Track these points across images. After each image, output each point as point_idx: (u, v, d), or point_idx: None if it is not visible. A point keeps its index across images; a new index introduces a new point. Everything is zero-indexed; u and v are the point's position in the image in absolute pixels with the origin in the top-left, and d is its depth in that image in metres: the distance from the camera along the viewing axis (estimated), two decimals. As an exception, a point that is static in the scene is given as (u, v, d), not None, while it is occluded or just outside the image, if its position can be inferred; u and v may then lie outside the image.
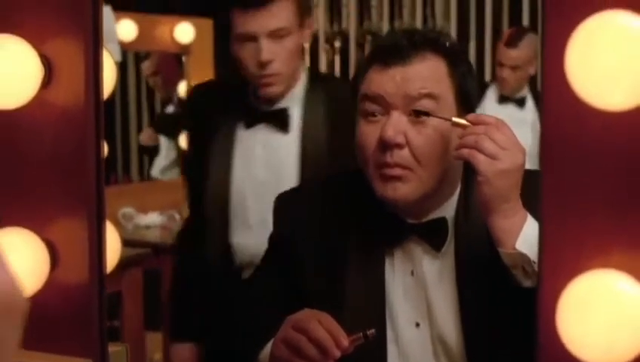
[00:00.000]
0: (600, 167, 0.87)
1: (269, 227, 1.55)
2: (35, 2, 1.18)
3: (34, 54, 1.17)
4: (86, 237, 1.17)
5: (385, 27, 3.80)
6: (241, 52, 1.86)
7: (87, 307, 1.18)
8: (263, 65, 1.84)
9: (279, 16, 1.85)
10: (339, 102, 1.90)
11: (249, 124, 1.94)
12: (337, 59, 3.78)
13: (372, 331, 1.28)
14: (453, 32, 3.64)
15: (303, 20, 1.91)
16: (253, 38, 1.85)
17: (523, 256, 1.24)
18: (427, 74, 1.35)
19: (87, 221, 1.17)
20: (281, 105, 1.94)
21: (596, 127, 0.85)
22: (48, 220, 1.18)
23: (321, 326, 1.26)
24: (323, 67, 3.80)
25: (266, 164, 1.94)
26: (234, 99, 1.98)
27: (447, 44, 1.41)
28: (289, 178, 1.90)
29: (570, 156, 0.88)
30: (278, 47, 1.85)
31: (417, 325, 1.42)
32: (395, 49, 1.36)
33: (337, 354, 1.25)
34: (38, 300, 1.18)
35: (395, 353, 1.42)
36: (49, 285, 1.18)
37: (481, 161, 1.23)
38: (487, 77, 3.56)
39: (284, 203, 1.54)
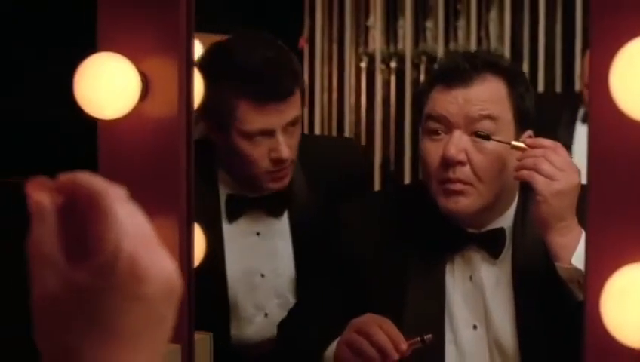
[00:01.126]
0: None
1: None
2: (135, 25, 1.36)
3: (133, 71, 1.34)
4: (176, 236, 1.34)
5: (440, 48, 3.94)
6: (249, 148, 1.63)
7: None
8: (281, 161, 1.63)
9: (296, 104, 1.65)
10: (322, 166, 1.78)
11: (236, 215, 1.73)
12: (393, 79, 3.94)
13: (429, 336, 1.41)
14: (506, 53, 3.78)
15: (305, 103, 1.74)
16: (268, 133, 1.62)
17: (578, 271, 1.34)
18: (487, 96, 1.49)
19: (177, 220, 1.34)
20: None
21: (634, 134, 0.99)
22: (145, 215, 1.35)
23: (381, 330, 1.39)
24: (379, 86, 3.95)
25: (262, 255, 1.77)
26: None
27: (507, 65, 1.55)
28: (287, 265, 1.76)
29: (613, 164, 1.02)
30: (291, 139, 1.65)
31: (475, 327, 1.55)
32: (457, 71, 1.50)
33: (396, 357, 1.39)
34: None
35: (454, 353, 1.55)
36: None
37: (539, 182, 1.37)
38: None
39: (351, 212, 1.68)
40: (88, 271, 0.57)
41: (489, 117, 1.47)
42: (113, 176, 1.33)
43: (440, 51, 3.86)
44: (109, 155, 1.37)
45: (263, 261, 1.72)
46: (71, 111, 1.35)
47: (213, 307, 1.65)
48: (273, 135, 1.61)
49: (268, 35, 1.69)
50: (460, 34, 3.91)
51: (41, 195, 0.59)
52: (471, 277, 1.54)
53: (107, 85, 1.33)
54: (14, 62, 0.79)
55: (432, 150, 1.49)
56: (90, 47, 1.37)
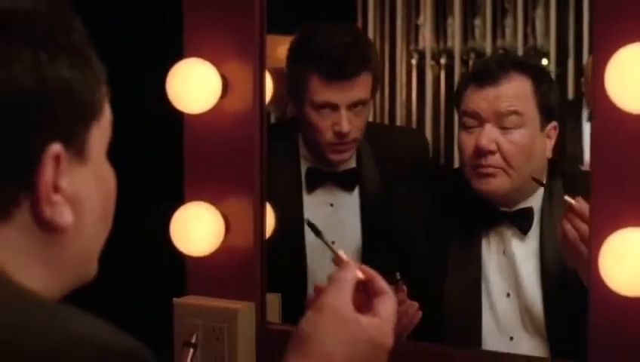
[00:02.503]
0: (633, 151, 1.29)
1: None
2: (215, 34, 1.66)
3: (215, 73, 1.64)
4: (251, 211, 1.64)
5: (488, 45, 4.19)
6: (317, 119, 1.90)
7: (252, 263, 1.65)
8: (342, 135, 1.89)
9: (362, 86, 1.90)
10: (391, 152, 2.03)
11: (313, 187, 2.00)
12: (442, 75, 4.19)
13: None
14: (552, 50, 4.00)
15: (376, 90, 2.00)
16: (333, 108, 1.89)
17: None
18: (514, 93, 1.76)
19: (252, 197, 1.64)
20: (349, 166, 1.99)
21: (626, 123, 1.26)
22: (224, 196, 1.65)
23: None
24: (429, 82, 4.20)
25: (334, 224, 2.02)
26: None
27: (532, 64, 1.83)
28: (355, 235, 2.01)
29: (611, 144, 1.30)
30: (356, 118, 1.90)
31: (508, 295, 1.82)
32: (486, 72, 1.78)
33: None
34: (216, 259, 1.65)
35: (490, 318, 1.82)
36: (223, 246, 1.66)
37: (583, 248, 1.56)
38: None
39: (404, 192, 1.95)
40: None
41: (515, 112, 1.74)
42: (198, 162, 1.64)
43: (488, 48, 4.12)
44: (194, 144, 1.68)
45: (334, 229, 1.98)
46: (163, 107, 1.66)
47: (291, 267, 1.93)
48: (337, 110, 1.87)
49: (353, 26, 2.10)
50: (508, 31, 4.15)
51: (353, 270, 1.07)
52: (504, 251, 1.81)
53: (193, 85, 1.64)
54: (120, 71, 1.04)
55: (467, 141, 1.77)
56: (178, 54, 1.68)
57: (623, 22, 1.28)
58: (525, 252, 1.80)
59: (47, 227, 0.82)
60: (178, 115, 1.69)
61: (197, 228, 1.67)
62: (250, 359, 1.64)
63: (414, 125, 4.36)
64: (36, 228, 0.82)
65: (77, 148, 0.84)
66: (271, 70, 1.84)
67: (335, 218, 2.00)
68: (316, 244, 1.98)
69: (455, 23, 4.21)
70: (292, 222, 1.91)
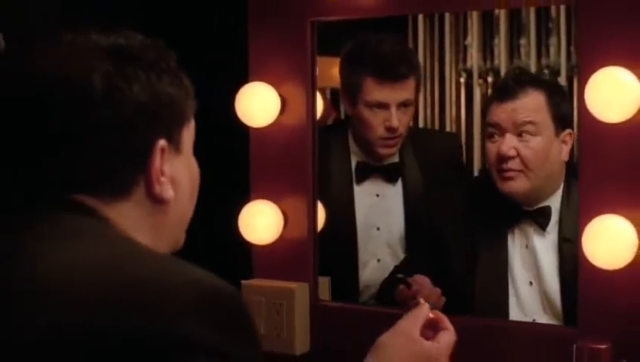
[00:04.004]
0: (608, 153, 1.64)
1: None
2: (274, 61, 2.04)
3: (275, 94, 2.03)
4: (305, 206, 2.02)
5: (532, 63, 4.50)
6: (370, 116, 2.21)
7: (306, 250, 2.02)
8: (392, 130, 2.22)
9: (409, 88, 2.24)
10: (428, 150, 2.37)
11: (362, 179, 2.32)
12: (489, 92, 4.50)
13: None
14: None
15: (419, 92, 2.34)
16: (384, 107, 2.20)
17: None
18: (529, 106, 2.08)
19: (306, 195, 2.02)
20: (393, 160, 2.31)
21: (602, 131, 1.62)
22: (282, 195, 2.04)
23: None
24: (477, 100, 4.52)
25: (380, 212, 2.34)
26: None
27: (546, 80, 2.17)
28: (399, 222, 2.34)
29: (592, 146, 1.66)
30: (403, 115, 2.23)
31: (530, 283, 2.12)
32: (506, 88, 2.13)
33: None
34: (277, 247, 2.03)
35: (515, 303, 2.12)
36: (283, 237, 2.04)
37: None
38: None
39: (437, 192, 2.31)
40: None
41: (531, 122, 2.07)
42: (262, 167, 2.03)
43: (533, 66, 4.44)
44: (258, 152, 2.06)
45: (379, 217, 2.34)
46: (232, 122, 2.05)
47: (342, 250, 2.26)
48: (388, 108, 2.19)
49: (399, 36, 2.38)
50: (552, 50, 4.47)
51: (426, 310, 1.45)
52: (527, 245, 2.14)
53: (257, 104, 2.02)
54: (199, 91, 1.36)
55: (491, 148, 2.12)
56: (245, 77, 2.07)
57: (596, 52, 1.64)
58: (545, 246, 2.10)
59: (155, 200, 1.11)
60: (245, 129, 2.06)
61: (261, 222, 2.05)
62: (305, 330, 2.00)
63: (463, 140, 4.70)
64: (148, 201, 1.10)
65: (175, 143, 1.13)
66: (323, 89, 2.23)
67: (381, 207, 2.33)
68: (364, 234, 2.36)
69: (501, 43, 4.53)
70: (344, 210, 2.26)
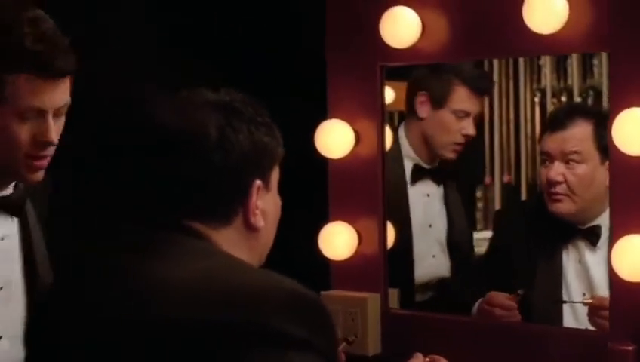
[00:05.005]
0: (634, 182, 1.92)
1: None
2: (349, 100, 2.36)
3: (349, 129, 2.35)
4: (377, 227, 2.34)
5: (604, 83, 4.69)
6: (452, 122, 2.56)
7: (377, 265, 2.35)
8: (468, 137, 2.60)
9: (484, 105, 2.74)
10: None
11: (415, 180, 2.64)
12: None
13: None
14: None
15: None
16: (467, 115, 2.58)
17: None
18: (577, 136, 2.34)
19: (377, 217, 2.34)
20: (436, 164, 2.66)
21: (628, 162, 1.91)
22: (357, 216, 2.36)
23: None
24: (551, 118, 4.71)
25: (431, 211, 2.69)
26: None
27: (594, 111, 2.44)
28: (442, 221, 2.68)
29: (621, 175, 1.94)
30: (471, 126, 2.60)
31: (584, 295, 2.41)
32: (557, 120, 2.42)
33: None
34: (352, 262, 2.36)
35: (569, 311, 2.41)
36: (357, 253, 2.36)
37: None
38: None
39: (500, 215, 2.64)
40: None
41: (576, 152, 2.34)
42: (338, 192, 2.36)
43: (604, 86, 4.64)
44: (336, 179, 2.39)
45: (430, 215, 2.64)
46: (311, 154, 2.38)
47: (403, 255, 2.53)
48: (469, 117, 2.56)
49: None
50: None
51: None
52: (579, 260, 2.41)
53: (334, 139, 2.35)
54: (283, 128, 1.62)
55: (543, 173, 2.40)
56: (323, 115, 2.40)
57: (623, 94, 1.94)
58: (597, 260, 2.35)
59: (250, 228, 1.37)
60: (324, 160, 2.39)
61: (338, 240, 2.37)
62: (376, 334, 2.32)
63: (538, 156, 4.91)
64: (244, 228, 1.37)
65: (266, 183, 1.39)
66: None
67: (431, 206, 2.66)
68: (418, 232, 2.64)
69: (574, 63, 4.72)
70: (401, 210, 2.57)
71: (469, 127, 2.57)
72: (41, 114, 1.72)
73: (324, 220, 2.40)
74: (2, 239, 1.85)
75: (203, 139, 1.34)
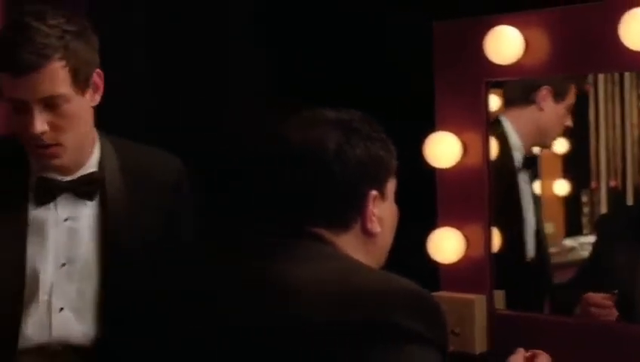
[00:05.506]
0: None
1: None
2: (457, 113, 2.53)
3: (457, 140, 2.52)
4: (482, 232, 2.50)
5: None
6: (564, 116, 2.69)
7: (483, 267, 2.50)
8: (568, 128, 2.71)
9: None
10: None
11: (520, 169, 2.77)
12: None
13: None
14: None
15: None
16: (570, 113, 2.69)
17: None
18: None
19: (483, 222, 2.50)
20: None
21: None
22: (464, 222, 2.52)
23: None
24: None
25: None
26: None
27: None
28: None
29: None
30: None
31: None
32: None
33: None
34: (459, 265, 2.52)
35: None
36: (464, 257, 2.52)
37: None
38: None
39: (605, 220, 2.77)
40: None
41: None
42: (446, 200, 2.53)
43: None
44: (444, 188, 2.56)
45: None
46: (419, 165, 2.56)
47: (515, 268, 2.65)
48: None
49: None
50: None
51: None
52: None
53: (442, 150, 2.52)
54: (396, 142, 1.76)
55: None
56: (432, 127, 2.57)
57: None
58: None
59: (367, 234, 1.54)
60: (432, 170, 2.56)
61: (446, 244, 2.53)
62: (483, 334, 2.48)
63: (645, 159, 4.94)
64: (362, 234, 1.54)
65: (382, 192, 1.56)
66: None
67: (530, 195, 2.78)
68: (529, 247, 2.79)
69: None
70: (511, 200, 2.70)
71: (569, 120, 2.71)
72: (27, 106, 1.83)
73: (432, 226, 2.57)
74: (67, 220, 1.98)
75: (322, 153, 1.50)
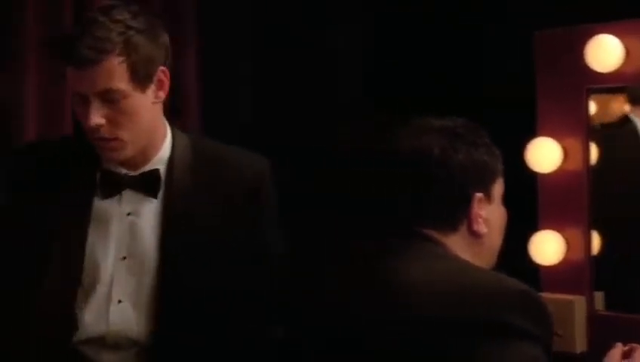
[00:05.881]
0: None
1: None
2: (558, 119, 2.60)
3: (557, 146, 2.59)
4: (582, 235, 2.58)
5: None
6: None
7: (583, 269, 2.58)
8: None
9: None
10: None
11: None
12: None
13: None
14: None
15: None
16: None
17: None
18: None
19: (582, 226, 2.57)
20: None
21: None
22: (564, 225, 2.59)
23: None
24: None
25: None
26: None
27: None
28: None
29: None
30: None
31: None
32: None
33: None
34: (559, 267, 2.60)
35: None
36: (565, 259, 2.60)
37: None
38: None
39: None
40: None
41: None
42: (547, 204, 2.62)
43: None
44: (545, 192, 2.64)
45: None
46: (520, 169, 2.63)
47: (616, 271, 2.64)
48: None
49: None
50: None
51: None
52: None
53: (543, 156, 2.60)
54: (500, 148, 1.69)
55: None
56: (533, 133, 2.65)
57: None
58: None
59: (474, 235, 1.57)
60: (533, 174, 2.65)
61: (547, 247, 2.62)
62: (583, 333, 2.55)
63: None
64: (468, 235, 1.57)
65: (488, 195, 1.59)
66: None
67: None
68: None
69: None
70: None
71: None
72: (86, 99, 1.85)
73: (534, 229, 2.66)
74: (129, 214, 1.97)
75: (428, 159, 1.58)
